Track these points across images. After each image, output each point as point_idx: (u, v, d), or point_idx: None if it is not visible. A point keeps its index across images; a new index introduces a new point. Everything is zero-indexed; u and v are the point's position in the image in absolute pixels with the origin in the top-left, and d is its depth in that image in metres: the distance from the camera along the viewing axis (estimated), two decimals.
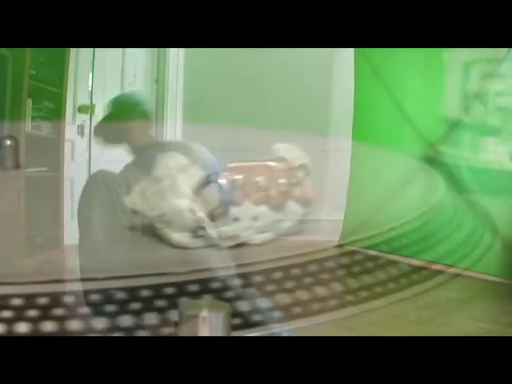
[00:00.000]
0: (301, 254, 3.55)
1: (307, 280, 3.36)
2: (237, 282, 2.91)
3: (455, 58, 3.99)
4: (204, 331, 1.67)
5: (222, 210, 2.96)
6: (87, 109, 4.54)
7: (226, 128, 4.08)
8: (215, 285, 2.82)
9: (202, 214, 2.88)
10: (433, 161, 4.08)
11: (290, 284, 3.25)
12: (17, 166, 3.65)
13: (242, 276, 2.92)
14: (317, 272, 3.50)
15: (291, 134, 3.67)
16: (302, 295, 3.15)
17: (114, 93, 4.38)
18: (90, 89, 4.58)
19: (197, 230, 2.92)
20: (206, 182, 2.96)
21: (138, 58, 4.81)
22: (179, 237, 2.93)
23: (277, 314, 2.82)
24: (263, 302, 2.85)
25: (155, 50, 4.82)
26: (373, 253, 4.08)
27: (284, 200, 3.17)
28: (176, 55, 4.83)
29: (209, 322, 1.67)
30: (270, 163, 3.17)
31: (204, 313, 1.67)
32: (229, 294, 2.76)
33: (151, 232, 2.99)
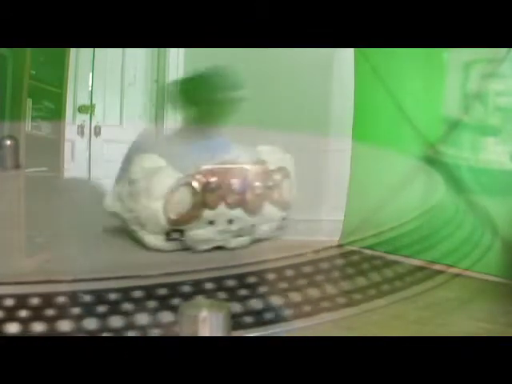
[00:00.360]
0: (300, 254, 3.55)
1: (306, 280, 3.35)
2: (236, 282, 2.91)
3: (455, 57, 3.99)
4: (204, 331, 1.66)
5: (195, 213, 2.96)
6: (87, 109, 4.54)
7: (225, 128, 4.07)
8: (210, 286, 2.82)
9: (174, 216, 2.89)
10: (433, 161, 4.07)
11: (287, 284, 3.24)
12: (17, 166, 3.65)
13: (237, 276, 2.92)
14: (316, 272, 3.49)
15: (291, 134, 3.67)
16: (301, 295, 3.14)
17: (114, 93, 4.39)
18: (90, 89, 4.58)
19: (170, 233, 2.93)
20: (181, 184, 2.96)
21: (137, 58, 4.81)
22: (153, 239, 2.94)
23: (276, 313, 2.81)
24: (261, 303, 2.85)
25: (155, 49, 4.82)
26: (373, 253, 4.08)
27: (260, 203, 3.17)
28: (176, 55, 4.83)
29: (209, 322, 1.66)
30: (247, 165, 3.17)
31: (204, 313, 1.66)
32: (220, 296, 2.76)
33: (127, 234, 3.00)
